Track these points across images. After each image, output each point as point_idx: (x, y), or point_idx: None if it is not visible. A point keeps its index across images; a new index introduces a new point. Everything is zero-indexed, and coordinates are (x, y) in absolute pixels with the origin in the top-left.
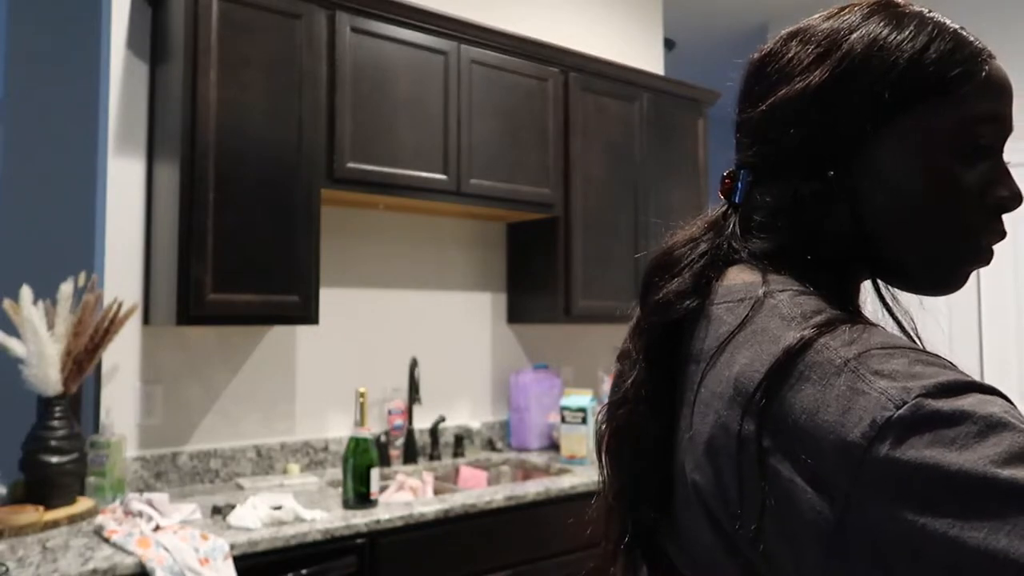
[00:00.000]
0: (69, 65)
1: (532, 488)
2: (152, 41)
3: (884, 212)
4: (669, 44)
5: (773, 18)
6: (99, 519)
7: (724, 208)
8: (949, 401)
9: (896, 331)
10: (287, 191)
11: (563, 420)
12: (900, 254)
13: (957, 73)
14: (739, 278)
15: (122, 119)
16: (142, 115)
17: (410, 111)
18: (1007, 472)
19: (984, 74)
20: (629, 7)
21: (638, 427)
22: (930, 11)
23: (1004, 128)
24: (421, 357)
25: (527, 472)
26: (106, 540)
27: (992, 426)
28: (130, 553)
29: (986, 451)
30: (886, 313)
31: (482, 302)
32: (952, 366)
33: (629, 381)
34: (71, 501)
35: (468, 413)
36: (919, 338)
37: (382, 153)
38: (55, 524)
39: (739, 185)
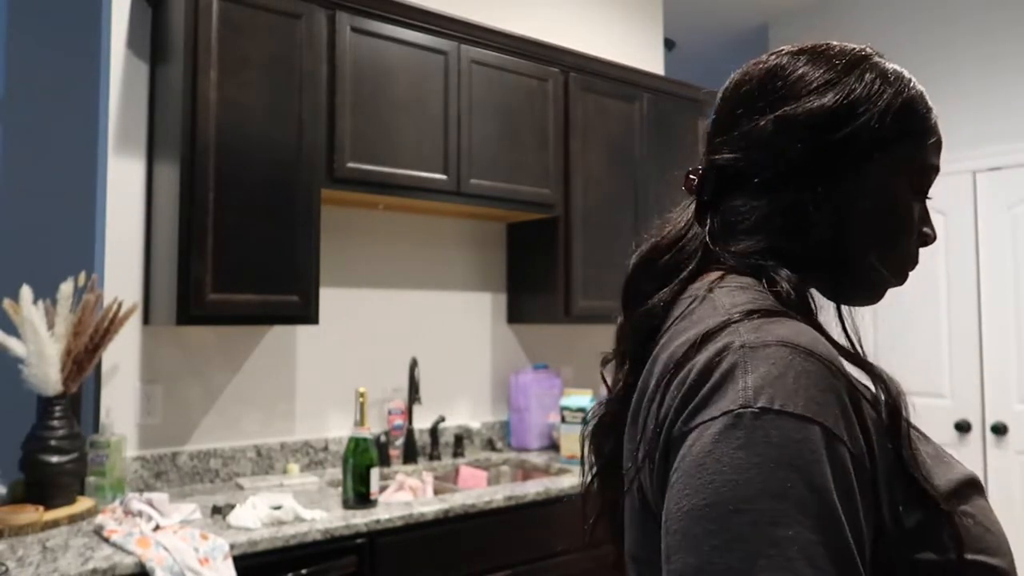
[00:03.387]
0: (69, 65)
1: (532, 488)
2: (152, 41)
3: (857, 225)
4: (669, 44)
5: (773, 18)
6: (99, 519)
7: (696, 204)
8: (774, 421)
9: (842, 339)
10: (287, 191)
11: (563, 420)
12: (857, 264)
13: (931, 125)
14: (706, 279)
15: (122, 119)
16: (142, 115)
17: (410, 111)
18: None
19: (937, 132)
20: (629, 7)
21: (617, 418)
22: (903, 69)
23: (935, 177)
24: (421, 357)
25: (527, 472)
26: (106, 540)
27: (779, 463)
28: (130, 553)
29: (761, 479)
30: (837, 321)
31: (482, 302)
32: (837, 395)
33: (621, 381)
34: (71, 501)
35: (468, 413)
36: (862, 346)
37: (382, 153)
38: (55, 524)
39: (711, 184)
